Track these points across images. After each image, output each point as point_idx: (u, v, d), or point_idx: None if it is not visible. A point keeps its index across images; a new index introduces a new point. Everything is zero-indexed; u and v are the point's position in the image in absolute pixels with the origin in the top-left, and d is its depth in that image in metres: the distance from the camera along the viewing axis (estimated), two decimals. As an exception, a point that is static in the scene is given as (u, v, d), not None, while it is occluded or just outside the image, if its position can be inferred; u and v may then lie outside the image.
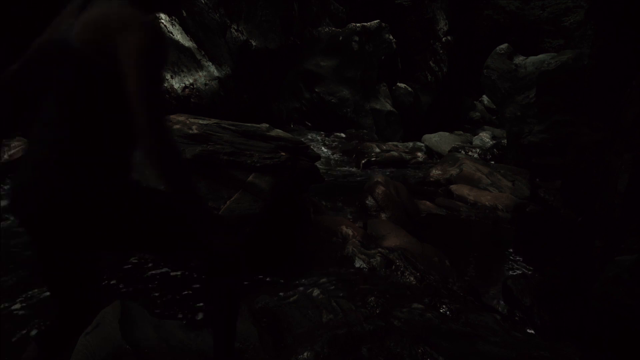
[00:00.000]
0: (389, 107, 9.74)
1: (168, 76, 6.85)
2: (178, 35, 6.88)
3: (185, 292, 2.66)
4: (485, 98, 13.33)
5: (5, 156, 5.26)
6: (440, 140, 9.09)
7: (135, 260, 2.99)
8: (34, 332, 2.20)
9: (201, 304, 2.49)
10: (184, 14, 7.07)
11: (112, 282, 2.74)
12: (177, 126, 3.58)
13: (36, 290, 2.60)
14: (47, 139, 1.07)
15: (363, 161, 7.07)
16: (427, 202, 4.71)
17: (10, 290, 2.61)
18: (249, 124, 3.48)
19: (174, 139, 1.05)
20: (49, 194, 1.03)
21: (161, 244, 1.22)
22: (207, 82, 6.78)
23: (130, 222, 1.11)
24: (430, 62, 11.05)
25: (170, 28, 6.92)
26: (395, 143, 8.33)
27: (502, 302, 2.79)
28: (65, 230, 1.05)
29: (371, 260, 2.94)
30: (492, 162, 6.93)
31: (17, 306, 2.42)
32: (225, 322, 1.34)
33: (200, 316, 2.34)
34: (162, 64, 1.06)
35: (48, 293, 2.54)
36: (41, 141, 1.08)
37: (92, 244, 1.11)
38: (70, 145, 1.05)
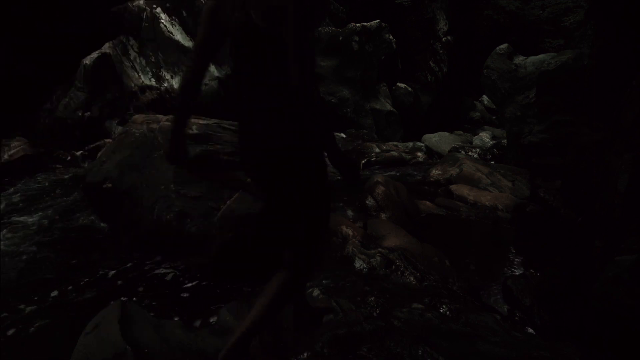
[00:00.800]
0: (389, 107, 9.74)
1: (168, 76, 6.86)
2: (178, 35, 6.88)
3: (185, 293, 2.66)
4: (485, 98, 13.30)
5: (5, 156, 5.26)
6: (440, 140, 9.07)
7: (136, 260, 2.99)
8: (34, 332, 2.20)
9: (201, 305, 2.49)
10: (184, 14, 7.07)
11: (112, 282, 2.74)
12: (177, 126, 3.57)
13: (38, 290, 2.60)
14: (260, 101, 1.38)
15: (363, 161, 7.06)
16: (427, 202, 4.70)
17: (10, 290, 2.61)
18: (249, 124, 3.48)
19: (316, 92, 1.32)
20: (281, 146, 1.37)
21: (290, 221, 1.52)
22: (207, 82, 6.78)
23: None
24: (430, 62, 11.04)
25: (170, 28, 6.92)
26: (395, 143, 8.32)
27: (502, 302, 2.79)
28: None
29: (371, 260, 2.94)
30: (492, 162, 6.91)
31: (21, 305, 2.42)
32: (264, 322, 1.47)
33: (200, 317, 2.34)
34: (311, 25, 1.33)
35: (53, 293, 2.54)
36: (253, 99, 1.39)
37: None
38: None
